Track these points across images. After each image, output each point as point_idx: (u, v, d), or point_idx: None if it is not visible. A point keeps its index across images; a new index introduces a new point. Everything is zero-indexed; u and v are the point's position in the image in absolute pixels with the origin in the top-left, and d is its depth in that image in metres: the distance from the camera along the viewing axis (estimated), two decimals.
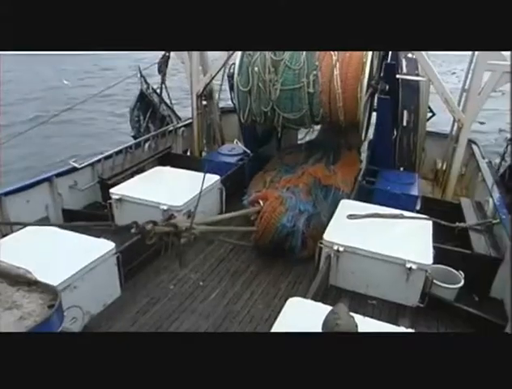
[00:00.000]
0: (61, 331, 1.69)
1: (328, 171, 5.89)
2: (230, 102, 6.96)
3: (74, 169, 5.80)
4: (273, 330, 3.11)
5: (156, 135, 7.36)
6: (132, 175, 5.98)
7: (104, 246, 4.06)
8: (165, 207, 5.00)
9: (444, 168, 7.36)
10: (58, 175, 5.63)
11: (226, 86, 6.96)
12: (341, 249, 4.37)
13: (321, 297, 4.00)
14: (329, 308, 3.39)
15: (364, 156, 7.31)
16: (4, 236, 4.53)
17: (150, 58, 7.86)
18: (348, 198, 5.50)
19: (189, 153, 8.15)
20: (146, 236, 2.74)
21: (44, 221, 5.12)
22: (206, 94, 7.82)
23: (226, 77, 7.15)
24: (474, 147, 7.59)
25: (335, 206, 5.17)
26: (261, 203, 5.06)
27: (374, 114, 6.74)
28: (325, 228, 4.64)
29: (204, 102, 7.90)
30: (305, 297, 3.67)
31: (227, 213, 5.10)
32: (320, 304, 3.47)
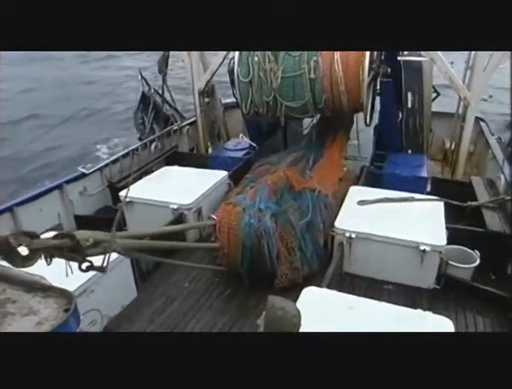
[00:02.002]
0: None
1: (303, 176, 5.27)
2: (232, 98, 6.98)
3: (83, 175, 5.84)
4: None
5: (161, 135, 7.39)
6: (140, 177, 6.01)
7: None
8: (175, 206, 5.02)
9: (452, 147, 7.28)
10: (68, 182, 5.68)
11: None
12: (353, 235, 4.36)
13: (336, 285, 3.99)
14: (345, 296, 3.40)
15: (370, 141, 7.25)
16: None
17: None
18: (326, 200, 4.89)
19: (195, 151, 8.16)
20: (13, 257, 1.80)
21: (57, 229, 5.16)
22: (208, 91, 7.81)
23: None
24: (482, 124, 7.49)
25: (308, 207, 4.65)
26: (213, 216, 4.47)
27: (378, 99, 6.69)
28: (294, 229, 4.32)
29: (206, 99, 7.89)
30: (319, 285, 3.66)
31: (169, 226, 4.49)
32: (336, 292, 3.47)
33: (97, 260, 2.18)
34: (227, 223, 4.22)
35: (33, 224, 5.08)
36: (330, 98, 5.73)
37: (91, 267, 2.16)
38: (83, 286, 3.59)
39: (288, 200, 4.67)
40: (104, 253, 2.20)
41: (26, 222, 5.04)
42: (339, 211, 4.76)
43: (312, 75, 5.58)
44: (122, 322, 4.00)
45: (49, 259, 1.99)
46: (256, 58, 5.77)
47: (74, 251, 2.12)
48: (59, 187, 5.57)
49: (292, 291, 3.72)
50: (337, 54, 5.55)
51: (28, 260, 1.87)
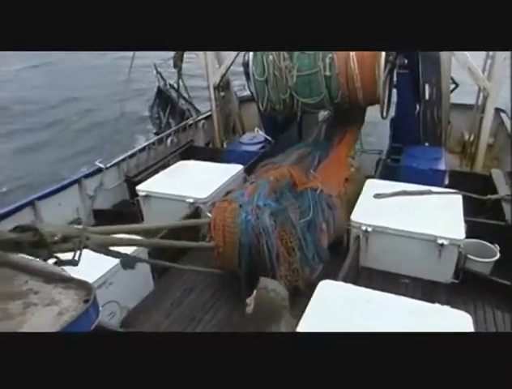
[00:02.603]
0: (99, 325, 1.73)
1: (306, 176, 5.04)
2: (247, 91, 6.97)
3: (101, 170, 5.91)
4: (306, 313, 3.10)
5: (177, 130, 7.43)
6: (157, 171, 6.05)
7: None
8: (191, 200, 5.04)
9: (472, 139, 7.14)
10: (86, 176, 5.75)
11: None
12: (369, 229, 4.32)
13: (352, 278, 3.97)
14: (361, 289, 3.38)
15: (387, 134, 7.18)
16: None
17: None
18: (329, 200, 4.67)
19: (211, 145, 8.18)
20: None
21: (75, 222, 5.24)
22: (223, 85, 7.81)
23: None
24: (502, 115, 7.33)
25: (309, 206, 4.43)
26: (209, 214, 4.21)
27: (395, 91, 6.60)
28: (295, 228, 4.11)
29: (222, 93, 7.90)
30: (335, 278, 3.65)
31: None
32: (352, 285, 3.45)
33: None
34: (222, 220, 3.97)
35: (53, 218, 5.17)
36: (345, 93, 5.69)
37: (60, 263, 2.00)
38: (103, 278, 3.65)
39: (288, 198, 4.44)
40: (73, 250, 2.07)
41: (46, 216, 5.13)
42: (346, 211, 4.68)
43: (327, 73, 5.55)
44: (140, 315, 4.06)
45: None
46: (271, 57, 5.75)
47: (38, 246, 1.95)
48: (78, 182, 5.65)
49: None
50: (352, 51, 5.50)
51: None
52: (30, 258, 1.97)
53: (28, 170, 9.24)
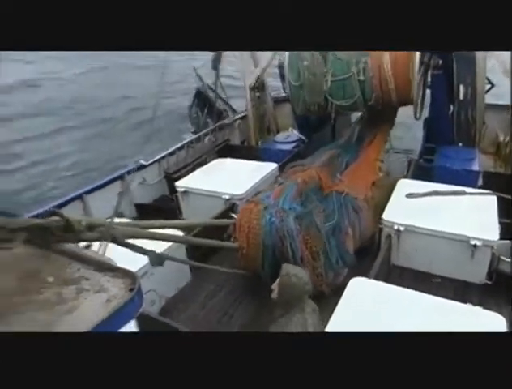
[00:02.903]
0: (142, 312, 1.80)
1: (333, 179, 4.87)
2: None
3: (143, 166, 6.07)
4: (337, 310, 3.10)
5: (214, 129, 7.53)
6: (194, 168, 6.16)
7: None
8: (227, 197, 5.11)
9: (506, 140, 6.88)
10: (129, 172, 5.92)
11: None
12: (401, 228, 4.26)
13: (383, 276, 3.93)
14: (392, 287, 3.34)
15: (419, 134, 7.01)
16: None
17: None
18: (356, 203, 4.50)
19: (246, 144, 8.24)
20: None
21: (119, 216, 5.40)
22: (259, 86, 7.85)
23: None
24: None
25: (334, 210, 4.29)
26: (234, 215, 4.27)
27: (428, 91, 6.44)
28: (319, 232, 3.99)
29: (257, 94, 7.94)
30: (367, 276, 3.62)
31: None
32: (383, 283, 3.42)
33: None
34: (247, 222, 3.96)
35: (99, 211, 5.36)
36: (379, 95, 5.64)
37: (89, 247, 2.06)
38: (144, 268, 3.76)
39: (313, 202, 4.31)
40: (99, 239, 2.11)
41: (93, 209, 5.32)
42: (374, 215, 4.58)
43: (361, 77, 5.50)
44: (178, 304, 4.16)
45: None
46: (305, 63, 5.76)
47: (67, 233, 1.97)
48: (121, 177, 5.82)
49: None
50: (386, 54, 5.42)
51: (7, 241, 1.76)
52: (82, 247, 2.07)
53: (89, 158, 10.06)
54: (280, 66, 7.73)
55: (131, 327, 1.71)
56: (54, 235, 2.03)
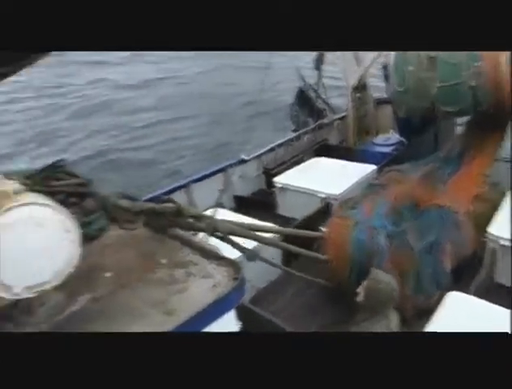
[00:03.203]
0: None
1: (432, 192, 4.31)
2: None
3: (244, 161, 6.26)
4: (431, 325, 2.92)
5: (314, 128, 7.49)
6: (292, 165, 6.20)
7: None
8: (323, 196, 5.07)
9: None
10: (231, 165, 6.15)
11: None
12: (507, 243, 3.86)
13: (484, 294, 3.60)
14: (494, 307, 3.04)
15: None
16: None
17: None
18: (456, 219, 4.00)
19: (344, 144, 8.08)
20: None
21: (218, 206, 5.65)
22: (361, 86, 7.64)
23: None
24: None
25: (432, 226, 3.88)
26: (323, 229, 4.14)
27: None
28: (412, 252, 3.67)
29: (358, 94, 7.73)
30: (466, 292, 3.35)
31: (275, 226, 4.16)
32: (483, 301, 3.13)
33: None
34: (336, 237, 3.89)
35: (201, 201, 5.66)
36: (492, 101, 5.08)
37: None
38: (239, 259, 3.88)
39: (408, 219, 3.96)
40: (203, 230, 2.22)
41: (197, 198, 5.63)
42: (475, 231, 4.04)
43: (472, 83, 4.97)
44: (269, 295, 4.23)
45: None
46: (410, 68, 5.40)
47: (177, 218, 2.08)
48: (223, 170, 6.07)
49: None
50: (503, 55, 4.87)
51: (130, 223, 1.96)
52: (190, 235, 2.21)
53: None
54: (385, 67, 7.43)
55: (231, 314, 1.80)
56: (167, 220, 2.21)
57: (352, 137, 7.75)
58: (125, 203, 1.97)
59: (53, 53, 1.51)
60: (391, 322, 2.86)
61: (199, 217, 2.38)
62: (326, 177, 5.52)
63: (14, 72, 1.52)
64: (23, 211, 1.38)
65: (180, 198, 5.47)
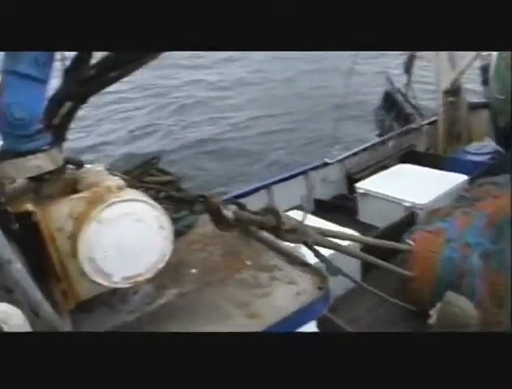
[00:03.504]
0: None
1: None
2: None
3: (326, 164, 6.13)
4: None
5: (400, 133, 7.10)
6: (376, 171, 5.93)
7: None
8: (408, 204, 4.77)
9: None
10: (312, 169, 6.05)
11: None
12: None
13: None
14: None
15: None
16: None
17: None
18: None
19: (431, 151, 7.57)
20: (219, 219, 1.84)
21: (298, 208, 5.58)
22: (454, 90, 7.08)
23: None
24: None
25: None
26: (409, 241, 3.82)
27: None
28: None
29: (451, 98, 7.18)
30: None
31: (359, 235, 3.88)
32: None
33: None
34: (423, 253, 3.60)
35: (281, 202, 5.63)
36: None
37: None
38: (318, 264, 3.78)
39: (508, 236, 3.51)
40: (293, 241, 2.08)
41: (277, 199, 5.61)
42: None
43: None
44: (344, 304, 4.07)
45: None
46: None
47: (273, 230, 2.02)
48: (304, 173, 5.99)
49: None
50: None
51: (232, 227, 1.92)
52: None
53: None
54: (484, 69, 6.83)
55: (312, 323, 1.72)
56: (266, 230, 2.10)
57: (441, 143, 7.22)
58: (230, 213, 1.91)
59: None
60: None
61: (294, 230, 2.29)
62: (412, 185, 5.20)
63: (129, 72, 1.58)
64: (124, 206, 1.44)
65: (261, 197, 5.50)
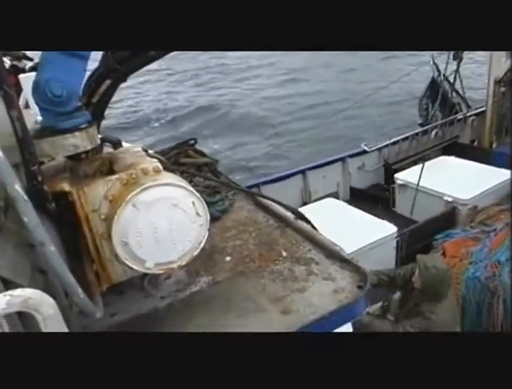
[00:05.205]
0: None
1: None
2: None
3: (364, 152, 5.91)
4: None
5: (444, 124, 6.72)
6: (416, 162, 5.67)
7: (386, 229, 3.99)
8: (450, 199, 4.53)
9: None
10: (350, 156, 5.85)
11: None
12: None
13: None
14: None
15: None
16: (305, 204, 5.04)
17: None
18: None
19: (476, 143, 7.16)
20: None
21: (333, 196, 5.42)
22: (507, 79, 6.61)
23: None
24: None
25: None
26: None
27: None
28: None
29: (502, 89, 6.71)
30: None
31: None
32: None
33: None
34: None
35: (316, 188, 5.50)
36: None
37: None
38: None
39: None
40: None
41: (312, 185, 5.48)
42: None
43: None
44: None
45: None
46: None
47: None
48: (342, 160, 5.81)
49: None
50: None
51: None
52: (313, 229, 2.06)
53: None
54: None
55: (349, 326, 1.62)
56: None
57: (487, 136, 6.81)
58: None
59: None
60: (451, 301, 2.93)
61: None
62: (455, 179, 4.93)
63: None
64: (161, 191, 1.37)
65: (296, 182, 5.38)
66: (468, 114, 7.13)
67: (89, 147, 1.46)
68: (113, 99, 1.70)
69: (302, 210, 4.26)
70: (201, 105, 14.51)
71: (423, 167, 4.87)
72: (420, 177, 4.79)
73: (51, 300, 0.92)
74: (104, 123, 1.76)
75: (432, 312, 2.86)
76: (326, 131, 10.94)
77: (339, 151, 6.20)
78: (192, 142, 2.83)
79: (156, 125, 13.55)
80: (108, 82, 1.49)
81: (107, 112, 1.72)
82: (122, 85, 1.63)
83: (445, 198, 4.57)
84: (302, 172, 5.47)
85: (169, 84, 17.24)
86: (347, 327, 1.59)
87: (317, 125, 10.18)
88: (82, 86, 1.44)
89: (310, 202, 5.11)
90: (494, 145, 6.83)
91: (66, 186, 1.36)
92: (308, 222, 2.05)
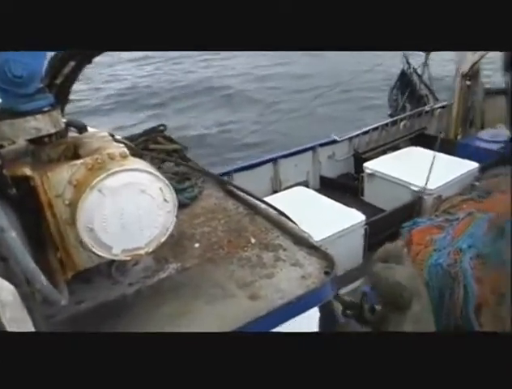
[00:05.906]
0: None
1: None
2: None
3: (334, 141, 5.99)
4: None
5: (412, 115, 6.90)
6: (385, 152, 5.80)
7: (355, 217, 4.08)
8: (416, 189, 4.67)
9: None
10: (321, 145, 5.92)
11: None
12: None
13: None
14: None
15: None
16: (275, 192, 5.07)
17: None
18: None
19: (442, 135, 7.38)
20: None
21: (304, 184, 5.48)
22: (472, 74, 6.83)
23: None
24: None
25: None
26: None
27: None
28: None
29: (468, 82, 6.93)
30: None
31: None
32: None
33: None
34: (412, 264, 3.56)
35: (287, 176, 5.54)
36: None
37: None
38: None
39: (509, 235, 3.51)
40: None
41: (283, 173, 5.52)
42: None
43: None
44: (342, 284, 4.03)
45: None
46: None
47: None
48: (313, 149, 5.86)
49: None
50: None
51: None
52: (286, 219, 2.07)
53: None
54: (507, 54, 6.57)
55: (316, 309, 1.65)
56: None
57: (454, 128, 7.03)
58: None
59: None
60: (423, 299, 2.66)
61: None
62: (421, 169, 5.06)
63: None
64: (127, 176, 1.35)
65: (267, 171, 5.40)
66: (435, 107, 7.33)
67: (52, 131, 1.41)
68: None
69: (272, 198, 4.32)
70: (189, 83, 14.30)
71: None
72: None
73: (11, 286, 0.90)
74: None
75: (396, 327, 2.62)
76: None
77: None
78: (161, 128, 2.79)
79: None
80: (72, 63, 1.44)
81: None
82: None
83: (412, 187, 4.70)
84: (274, 160, 5.50)
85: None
86: (315, 312, 1.63)
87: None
88: (44, 67, 1.39)
89: (280, 190, 5.14)
90: (459, 137, 7.07)
91: (27, 171, 1.32)
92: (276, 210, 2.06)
